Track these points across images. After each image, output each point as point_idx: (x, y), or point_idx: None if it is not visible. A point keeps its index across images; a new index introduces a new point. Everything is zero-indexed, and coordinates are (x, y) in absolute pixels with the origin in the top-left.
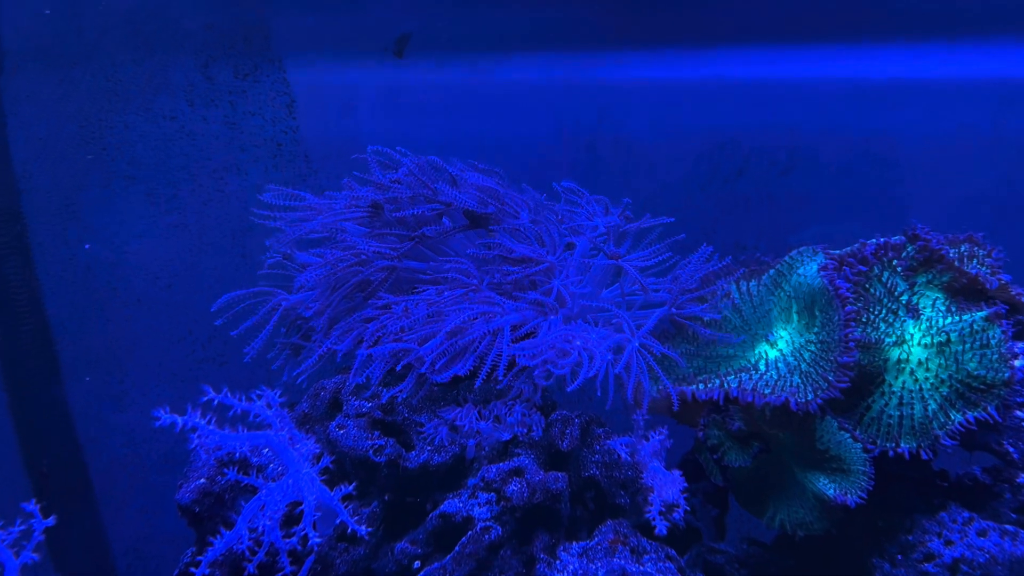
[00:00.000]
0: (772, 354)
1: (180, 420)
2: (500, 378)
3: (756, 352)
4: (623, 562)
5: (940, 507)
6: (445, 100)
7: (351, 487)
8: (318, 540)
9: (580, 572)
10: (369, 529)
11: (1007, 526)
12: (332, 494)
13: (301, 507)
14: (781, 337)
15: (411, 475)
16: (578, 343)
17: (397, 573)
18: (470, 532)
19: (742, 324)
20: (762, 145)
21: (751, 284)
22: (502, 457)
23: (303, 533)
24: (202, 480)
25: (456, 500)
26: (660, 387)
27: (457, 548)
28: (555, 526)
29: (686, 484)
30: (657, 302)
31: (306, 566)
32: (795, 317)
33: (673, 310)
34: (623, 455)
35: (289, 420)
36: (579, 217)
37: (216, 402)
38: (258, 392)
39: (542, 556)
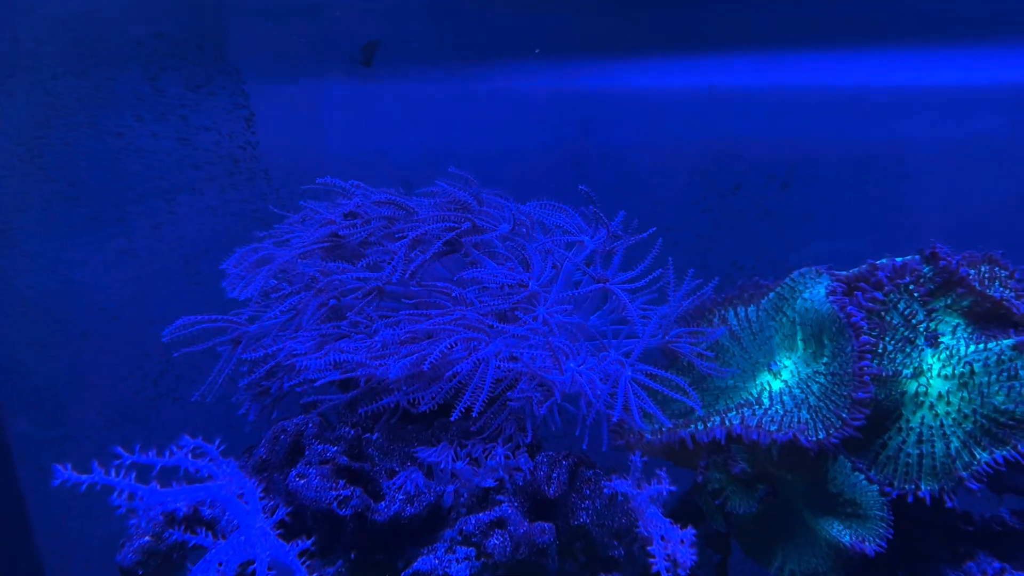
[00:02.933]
0: (776, 385)
1: (97, 479)
2: (480, 414)
3: (758, 383)
4: None
5: (967, 556)
6: (418, 113)
7: (309, 542)
8: None
9: None
10: None
11: None
12: (288, 550)
13: (253, 566)
14: (785, 367)
15: (380, 529)
16: (570, 366)
17: None
18: None
19: (741, 353)
20: (760, 158)
21: (750, 309)
22: (483, 505)
23: None
24: (147, 539)
25: (431, 556)
26: (655, 427)
27: None
28: None
29: (695, 533)
30: (652, 332)
31: None
32: (800, 345)
33: (666, 339)
34: (618, 500)
35: (236, 468)
36: (565, 236)
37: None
38: (178, 444)
39: None
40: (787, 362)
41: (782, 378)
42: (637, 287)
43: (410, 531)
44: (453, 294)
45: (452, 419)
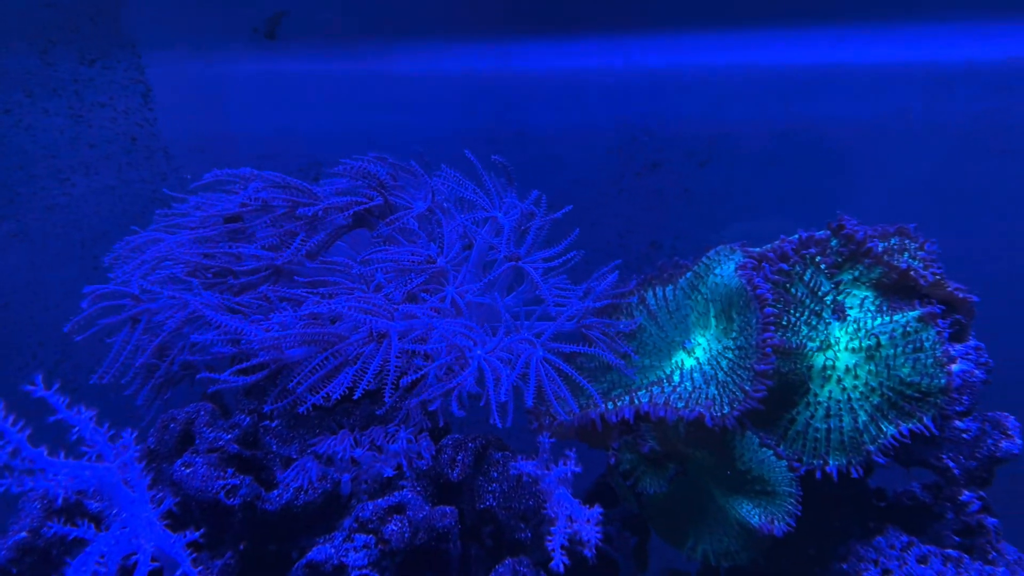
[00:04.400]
0: (688, 363)
1: None
2: (385, 398)
3: (673, 362)
4: None
5: (876, 531)
6: (327, 90)
7: (197, 534)
8: None
9: None
10: None
11: (950, 551)
12: (174, 541)
13: (136, 558)
14: (699, 344)
15: (272, 519)
16: (477, 350)
17: None
18: None
19: (658, 332)
20: (678, 136)
21: (667, 289)
22: (384, 492)
23: None
24: (24, 534)
25: (327, 546)
26: (567, 408)
27: None
28: (443, 570)
29: (601, 512)
30: (569, 314)
31: None
32: (713, 322)
33: (581, 323)
34: (524, 482)
35: (129, 455)
36: (479, 211)
37: None
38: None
39: None
40: (701, 340)
41: (695, 355)
42: (553, 267)
43: (305, 521)
44: (353, 272)
45: (356, 400)
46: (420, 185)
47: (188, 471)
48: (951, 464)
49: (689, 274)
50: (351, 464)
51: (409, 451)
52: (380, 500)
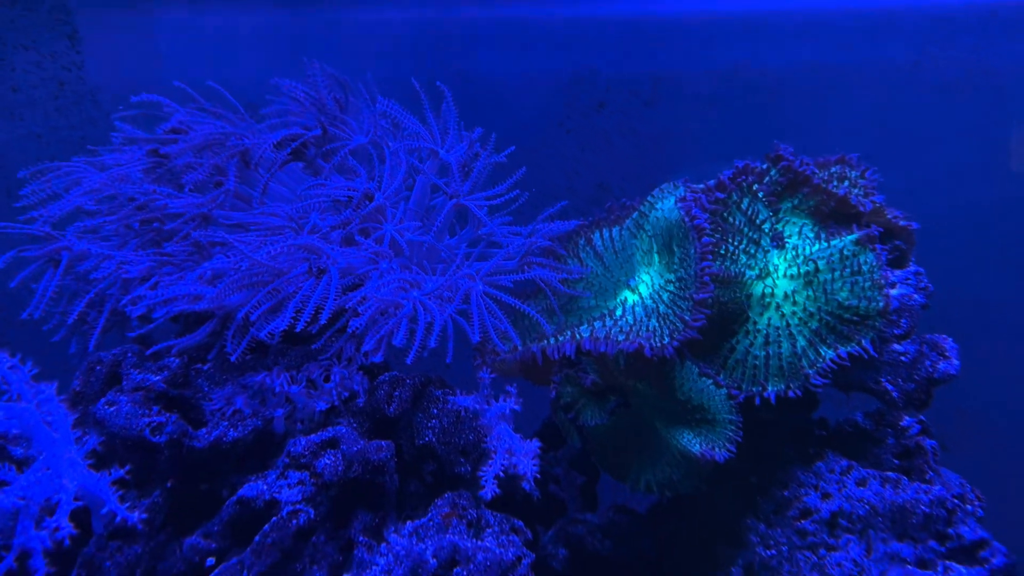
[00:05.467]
0: (632, 299)
1: None
2: (322, 336)
3: (617, 300)
4: (456, 538)
5: (816, 456)
6: (264, 36)
7: (122, 471)
8: (74, 534)
9: (403, 553)
10: (143, 516)
11: (889, 473)
12: (98, 479)
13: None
14: (643, 281)
15: (201, 457)
16: (414, 292)
17: (187, 573)
18: (274, 518)
19: (605, 273)
20: (622, 75)
21: (614, 230)
22: (318, 430)
23: (56, 528)
24: None
25: (260, 482)
26: (510, 345)
27: (257, 538)
28: (380, 504)
29: (539, 446)
30: (511, 252)
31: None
32: (656, 258)
33: (525, 261)
34: (464, 417)
35: (50, 393)
36: (422, 149)
37: None
38: None
39: (362, 539)
40: (645, 277)
41: (639, 292)
42: (497, 205)
43: (236, 459)
44: (289, 211)
45: (292, 342)
46: (363, 117)
47: (112, 409)
48: (889, 387)
49: (635, 214)
50: (285, 402)
51: (343, 387)
52: (313, 435)
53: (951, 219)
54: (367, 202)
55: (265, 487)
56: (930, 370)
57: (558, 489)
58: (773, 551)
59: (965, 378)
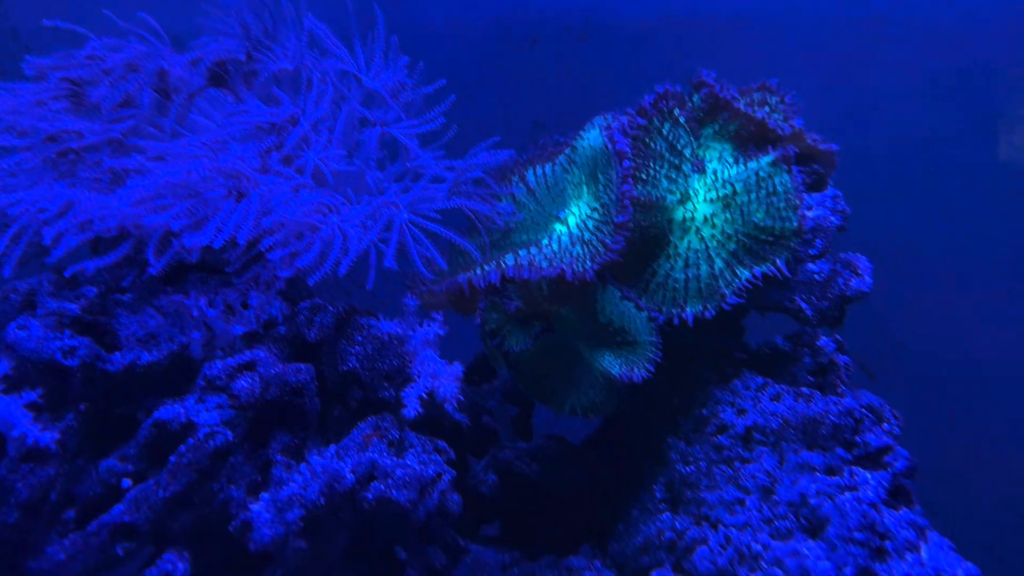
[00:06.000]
0: (560, 230)
1: None
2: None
3: (547, 233)
4: (376, 455)
5: (734, 376)
6: None
7: (34, 394)
8: None
9: (321, 470)
10: (55, 437)
11: (803, 389)
12: (8, 402)
13: None
14: (572, 213)
15: (116, 381)
16: (333, 217)
17: (103, 496)
18: (190, 440)
19: (537, 208)
20: (555, 9)
21: (547, 167)
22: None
23: None
24: None
25: (177, 406)
26: (437, 274)
27: (173, 459)
28: (301, 426)
29: (462, 369)
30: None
31: None
32: (584, 189)
33: (456, 190)
34: (388, 343)
35: None
36: (348, 76)
37: None
38: None
39: (280, 459)
40: (574, 208)
41: (567, 223)
42: (426, 134)
43: (153, 383)
44: (209, 139)
45: (210, 269)
46: (290, 44)
47: (23, 333)
48: (804, 305)
49: (568, 149)
50: (203, 327)
51: (263, 312)
52: (230, 359)
53: (881, 149)
54: (290, 129)
55: (182, 410)
56: (843, 287)
57: (491, 420)
58: (692, 467)
59: (899, 309)
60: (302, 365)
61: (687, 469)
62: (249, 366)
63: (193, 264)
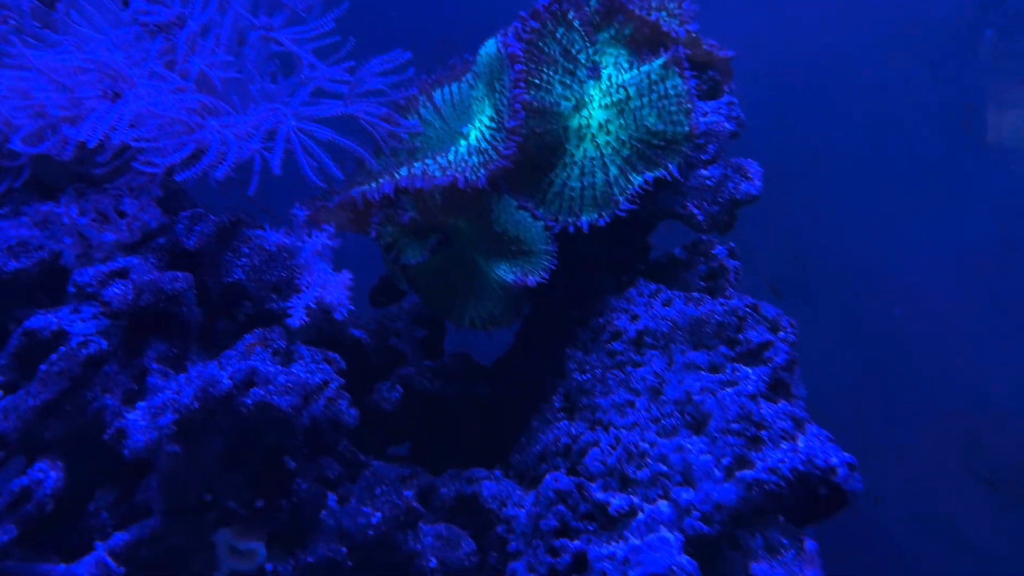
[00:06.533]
0: (462, 144)
1: None
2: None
3: (450, 148)
4: (257, 363)
5: (629, 283)
6: None
7: None
8: None
9: (196, 376)
10: None
11: (694, 294)
12: None
13: None
14: (474, 127)
15: None
16: (213, 121)
17: None
18: (62, 348)
19: (443, 126)
20: None
21: (454, 86)
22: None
23: None
24: None
25: (49, 315)
26: (333, 185)
27: (44, 367)
28: (180, 335)
29: (350, 277)
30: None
31: None
32: (486, 102)
33: (352, 99)
34: (276, 254)
35: None
36: None
37: None
38: None
39: (156, 367)
40: (476, 122)
41: (469, 137)
42: (325, 47)
43: (23, 292)
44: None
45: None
46: None
47: None
48: (695, 210)
49: (474, 66)
50: (76, 236)
51: (138, 219)
52: (101, 265)
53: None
54: (176, 31)
55: (54, 319)
56: (733, 191)
57: (399, 342)
58: (588, 375)
59: (806, 228)
60: (179, 273)
61: (583, 377)
62: (122, 273)
63: (65, 172)
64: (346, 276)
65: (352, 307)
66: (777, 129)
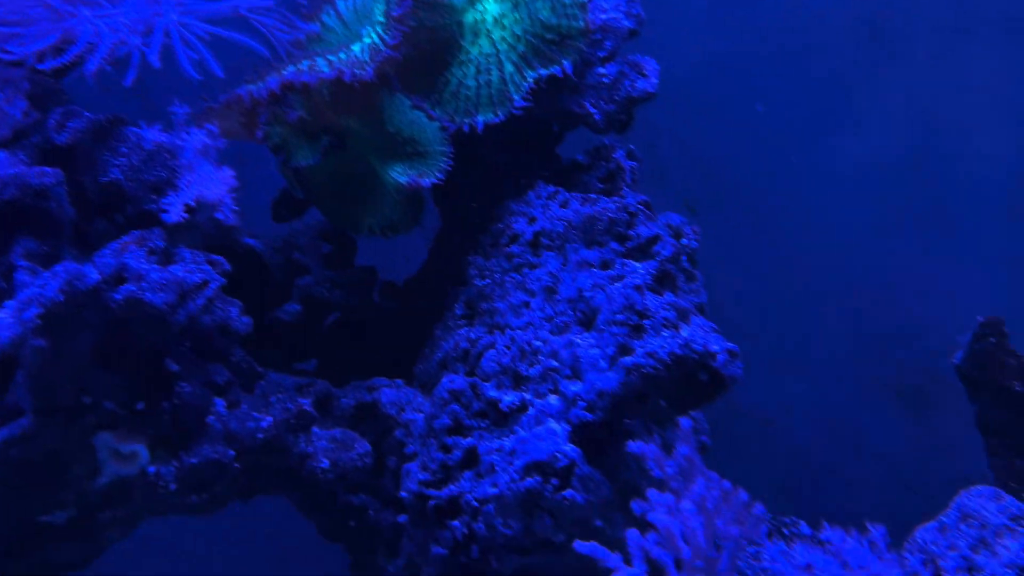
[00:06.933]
0: (355, 44)
1: None
2: None
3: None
4: (129, 260)
5: (528, 187)
6: None
7: None
8: None
9: (62, 270)
10: None
11: (591, 195)
12: None
13: None
14: (372, 28)
15: None
16: (85, 10)
17: None
18: None
19: (345, 32)
20: None
21: None
22: None
23: None
24: None
25: None
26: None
27: None
28: (50, 233)
29: (233, 175)
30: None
31: None
32: (383, 2)
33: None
34: (154, 152)
35: None
36: None
37: None
38: None
39: (23, 264)
40: (374, 23)
41: (364, 38)
42: None
43: None
44: None
45: None
46: None
47: None
48: (592, 109)
49: None
50: None
51: (3, 112)
52: None
53: None
54: None
55: None
56: (629, 89)
57: (302, 256)
58: (488, 280)
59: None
60: (48, 168)
61: (483, 283)
62: None
63: None
64: (227, 173)
65: (237, 207)
66: (686, 44)
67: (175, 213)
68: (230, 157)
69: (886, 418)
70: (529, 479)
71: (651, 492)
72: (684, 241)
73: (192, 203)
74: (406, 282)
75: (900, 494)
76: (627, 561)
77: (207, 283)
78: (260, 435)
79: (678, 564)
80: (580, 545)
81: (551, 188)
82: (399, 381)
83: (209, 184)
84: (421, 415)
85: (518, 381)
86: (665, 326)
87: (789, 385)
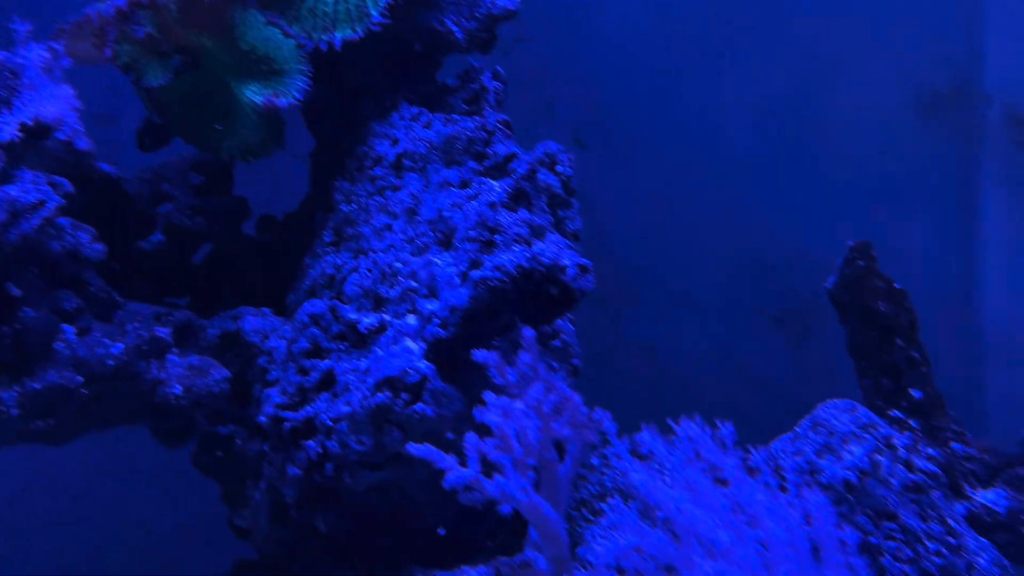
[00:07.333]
0: None
1: None
2: None
3: None
4: None
5: (392, 108)
6: None
7: None
8: None
9: None
10: None
11: (455, 115)
12: None
13: None
14: None
15: None
16: None
17: None
18: None
19: None
20: None
21: None
22: None
23: None
24: None
25: None
26: None
27: None
28: None
29: (73, 93)
30: None
31: None
32: None
33: None
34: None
35: None
36: None
37: None
38: None
39: None
40: None
41: None
42: None
43: None
44: None
45: None
46: None
47: None
48: (453, 27)
49: None
50: None
51: None
52: None
53: None
54: None
55: None
56: (490, 6)
57: (170, 187)
58: (354, 205)
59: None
60: None
61: (349, 208)
62: None
63: None
64: (67, 90)
65: (80, 127)
66: None
67: (8, 132)
68: None
69: (767, 344)
70: (380, 395)
71: (487, 395)
72: (559, 168)
73: (29, 122)
74: (286, 216)
75: (782, 419)
76: (463, 464)
77: (43, 203)
78: (110, 361)
79: (516, 465)
80: (413, 447)
81: (414, 109)
82: (266, 310)
83: (49, 102)
84: (284, 342)
85: (379, 303)
86: (516, 241)
87: (675, 315)
